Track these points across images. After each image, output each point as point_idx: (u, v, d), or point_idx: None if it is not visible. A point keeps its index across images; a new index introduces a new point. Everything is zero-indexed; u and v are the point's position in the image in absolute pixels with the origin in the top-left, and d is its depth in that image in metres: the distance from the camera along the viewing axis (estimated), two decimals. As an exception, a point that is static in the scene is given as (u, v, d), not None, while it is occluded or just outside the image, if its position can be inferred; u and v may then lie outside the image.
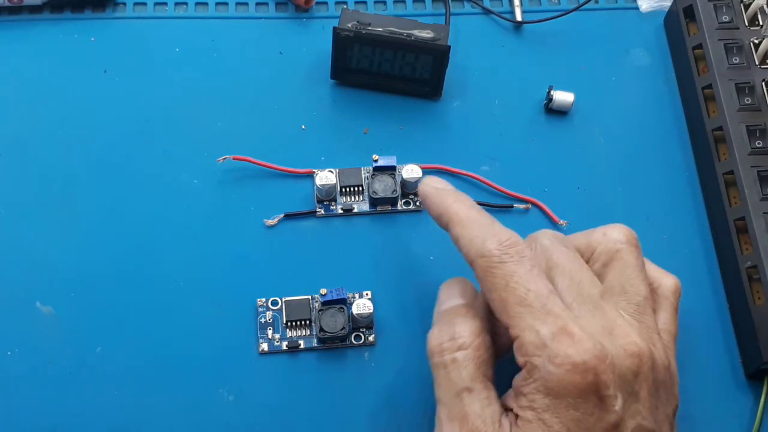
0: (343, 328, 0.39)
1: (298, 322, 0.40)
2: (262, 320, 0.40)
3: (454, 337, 0.32)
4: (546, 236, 0.35)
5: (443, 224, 0.35)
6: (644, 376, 0.31)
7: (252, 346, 0.40)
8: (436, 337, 0.33)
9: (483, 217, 0.34)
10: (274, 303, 0.40)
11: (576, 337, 0.30)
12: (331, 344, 0.40)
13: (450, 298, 0.35)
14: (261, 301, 0.40)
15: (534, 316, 0.31)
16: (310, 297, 0.40)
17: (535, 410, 0.30)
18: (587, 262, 0.35)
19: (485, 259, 0.32)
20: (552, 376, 0.30)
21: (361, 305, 0.39)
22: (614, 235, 0.35)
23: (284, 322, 0.40)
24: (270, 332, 0.40)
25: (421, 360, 0.38)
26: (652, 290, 0.36)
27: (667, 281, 0.37)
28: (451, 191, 0.36)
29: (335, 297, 0.39)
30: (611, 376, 0.30)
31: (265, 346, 0.40)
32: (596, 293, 0.33)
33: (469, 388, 0.32)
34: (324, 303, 0.40)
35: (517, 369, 0.31)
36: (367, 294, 0.40)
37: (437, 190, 0.36)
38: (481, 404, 0.31)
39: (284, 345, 0.40)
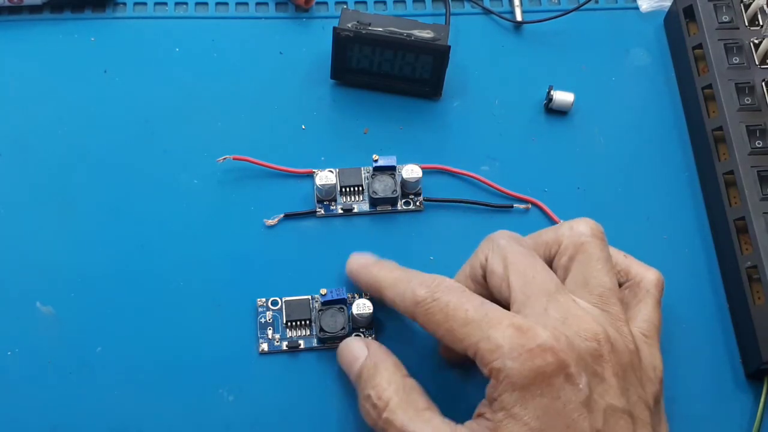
0: (343, 328, 0.39)
1: (298, 322, 0.40)
2: (262, 320, 0.40)
3: (378, 398, 0.34)
4: (502, 237, 0.36)
5: (376, 294, 0.38)
6: (605, 359, 0.31)
7: (252, 346, 0.40)
8: (365, 411, 0.35)
9: (407, 274, 0.36)
10: (274, 303, 0.40)
11: (524, 328, 0.31)
12: (331, 344, 0.39)
13: (351, 361, 0.37)
14: (261, 301, 0.40)
15: (481, 327, 0.32)
16: (310, 297, 0.40)
17: (505, 408, 0.31)
18: (554, 255, 0.36)
19: (420, 305, 0.34)
20: (513, 370, 0.30)
21: (361, 305, 0.39)
22: (580, 229, 0.36)
23: (284, 322, 0.40)
24: (270, 332, 0.40)
25: (420, 360, 0.38)
26: (635, 284, 0.37)
27: (649, 275, 0.37)
28: (375, 262, 0.39)
29: (335, 297, 0.39)
30: (571, 355, 0.30)
31: (265, 346, 0.39)
32: (552, 287, 0.33)
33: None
34: (324, 303, 0.40)
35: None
36: (366, 294, 0.40)
37: (361, 265, 0.39)
38: (430, 427, 0.33)
39: (284, 345, 0.40)
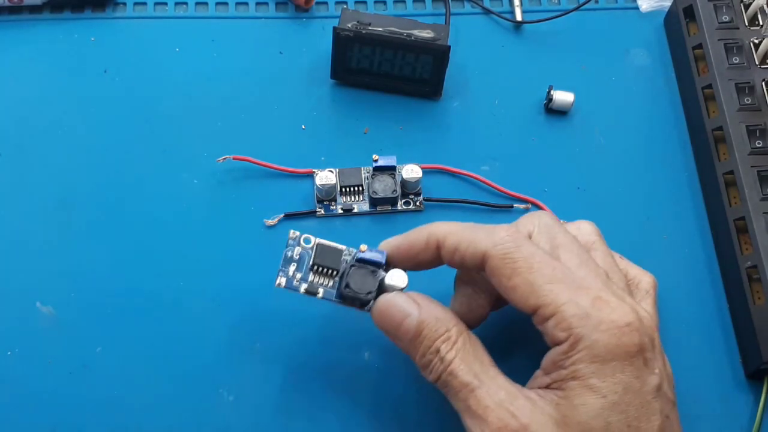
0: (370, 292, 0.35)
1: (325, 270, 0.37)
2: (289, 254, 0.37)
3: (447, 350, 0.32)
4: (548, 216, 0.35)
5: (432, 248, 0.35)
6: (658, 348, 0.32)
7: (252, 347, 0.40)
8: (429, 365, 0.33)
9: (468, 224, 0.34)
10: (307, 241, 0.37)
11: (612, 303, 0.31)
12: (351, 304, 0.36)
13: (398, 321, 0.34)
14: (294, 233, 0.37)
15: (569, 290, 0.31)
16: (345, 248, 0.37)
17: (580, 378, 0.30)
18: None
19: (500, 246, 0.32)
20: (599, 343, 0.30)
21: (395, 277, 0.35)
22: (588, 229, 0.37)
23: (310, 264, 0.37)
24: (292, 269, 0.37)
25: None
26: (634, 285, 0.37)
27: (645, 278, 0.38)
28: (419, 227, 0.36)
29: (372, 258, 0.36)
30: (649, 341, 0.31)
31: (282, 281, 0.37)
32: (603, 273, 0.33)
33: (477, 378, 0.32)
34: (359, 260, 0.36)
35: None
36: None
37: (401, 236, 0.36)
38: (497, 385, 0.32)
39: (303, 288, 0.36)
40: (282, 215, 0.43)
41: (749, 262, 0.40)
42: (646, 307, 0.36)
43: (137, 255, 0.41)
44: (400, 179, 0.43)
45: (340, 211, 0.43)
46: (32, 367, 0.39)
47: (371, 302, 0.35)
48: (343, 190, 0.44)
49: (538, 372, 0.32)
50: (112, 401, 0.38)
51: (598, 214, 0.44)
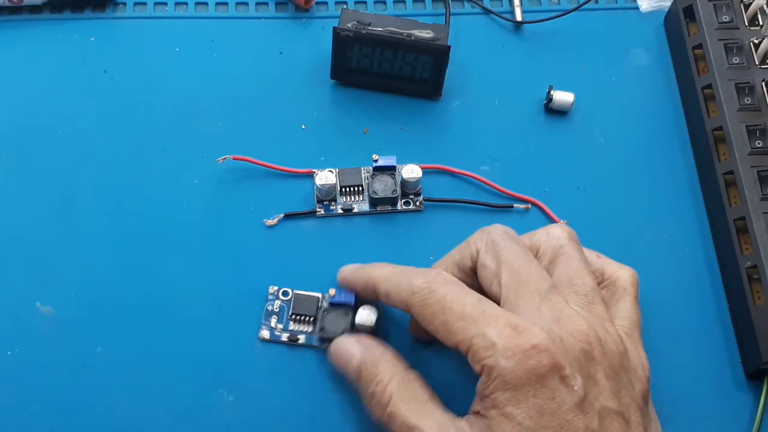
0: (344, 331, 0.39)
1: (303, 317, 0.40)
2: (269, 308, 0.40)
3: (382, 393, 0.34)
4: (497, 231, 0.36)
5: (371, 291, 0.37)
6: (597, 360, 0.32)
7: (252, 346, 0.40)
8: (369, 407, 0.35)
9: (404, 269, 0.36)
10: (285, 293, 0.40)
11: (520, 328, 0.31)
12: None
13: (347, 360, 0.36)
14: (273, 289, 0.41)
15: (477, 323, 0.32)
16: (320, 295, 0.40)
17: (498, 407, 0.31)
18: None
19: (417, 294, 0.34)
20: (507, 369, 0.30)
21: (364, 316, 0.38)
22: (557, 233, 0.36)
23: (290, 314, 0.40)
24: (274, 321, 0.40)
25: (421, 364, 0.37)
26: (610, 283, 0.37)
27: (624, 273, 0.38)
28: (367, 265, 0.38)
29: (342, 300, 0.39)
30: (565, 357, 0.31)
31: (266, 334, 0.40)
32: (545, 287, 0.33)
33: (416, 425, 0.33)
34: (331, 304, 0.39)
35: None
36: (372, 304, 0.39)
37: (354, 268, 0.39)
38: (431, 420, 0.33)
39: (285, 336, 0.40)
40: (282, 215, 0.43)
41: (749, 262, 0.40)
42: (623, 306, 0.36)
43: (137, 255, 0.41)
44: (400, 179, 0.43)
45: (340, 211, 0.43)
46: (32, 367, 0.38)
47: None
48: (343, 190, 0.44)
49: (476, 398, 0.33)
50: (112, 401, 0.38)
51: (598, 214, 0.44)
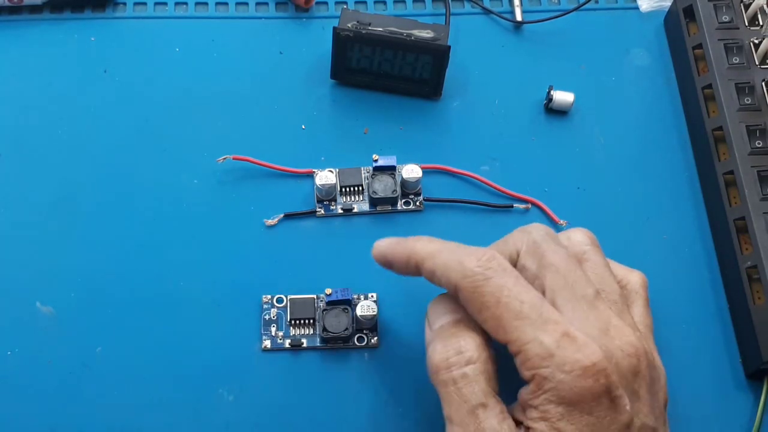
0: (347, 329, 0.39)
1: (302, 321, 0.40)
2: (266, 317, 0.40)
3: (461, 351, 0.32)
4: (538, 232, 0.34)
5: (413, 268, 0.34)
6: (642, 375, 0.31)
7: (253, 346, 0.40)
8: (440, 352, 0.32)
9: (450, 244, 0.34)
10: (279, 300, 0.40)
11: (579, 341, 0.30)
12: (334, 345, 0.40)
13: (443, 314, 0.34)
14: (266, 297, 0.40)
15: (534, 326, 0.30)
16: (315, 296, 0.40)
17: (549, 420, 0.30)
18: None
19: (469, 279, 0.31)
20: (564, 384, 0.29)
21: (366, 307, 0.39)
22: (578, 238, 0.35)
23: (288, 320, 0.40)
24: (273, 329, 0.40)
25: (423, 364, 0.37)
26: (621, 287, 0.36)
27: (633, 277, 0.37)
28: (408, 238, 0.35)
29: (340, 297, 0.39)
30: (618, 376, 0.30)
31: (267, 343, 0.40)
32: (591, 293, 0.32)
33: (483, 403, 0.31)
34: (328, 303, 0.39)
35: (518, 380, 0.31)
36: (372, 296, 0.40)
37: (393, 242, 0.36)
38: (497, 419, 0.31)
39: (287, 343, 0.40)
40: (282, 215, 0.43)
41: (749, 262, 0.40)
42: (637, 310, 0.35)
43: (137, 255, 0.41)
44: (400, 179, 0.43)
45: (340, 211, 0.43)
46: (32, 367, 0.39)
47: (352, 336, 0.39)
48: (343, 190, 0.44)
49: (516, 405, 0.32)
50: (112, 401, 0.38)
51: (598, 214, 0.44)
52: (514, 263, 0.33)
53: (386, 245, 0.36)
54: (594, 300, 0.32)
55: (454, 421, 0.31)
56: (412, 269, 0.34)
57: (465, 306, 0.32)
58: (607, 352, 0.30)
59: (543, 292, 0.32)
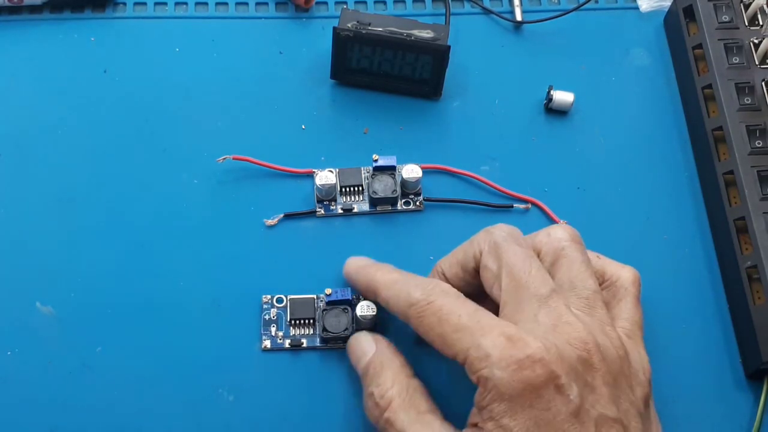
0: (346, 328, 0.39)
1: (302, 321, 0.40)
2: (266, 317, 0.40)
3: (381, 397, 0.34)
4: (500, 233, 0.35)
5: (371, 295, 0.37)
6: (596, 367, 0.31)
7: (252, 346, 0.40)
8: (367, 408, 0.35)
9: (405, 276, 0.36)
10: (279, 300, 0.40)
11: (515, 337, 0.31)
12: (334, 344, 0.40)
13: (359, 356, 0.37)
14: (266, 297, 0.40)
15: (473, 334, 0.32)
16: (315, 296, 0.40)
17: (494, 419, 0.30)
18: None
19: (414, 307, 0.34)
20: (502, 380, 0.30)
21: (365, 307, 0.39)
22: (558, 234, 0.36)
23: (288, 320, 0.40)
24: (273, 329, 0.40)
25: (422, 365, 0.37)
26: (611, 283, 0.37)
27: (625, 273, 0.37)
28: (372, 264, 0.39)
29: (340, 297, 0.39)
30: (561, 366, 0.30)
31: (267, 343, 0.40)
32: (545, 292, 0.33)
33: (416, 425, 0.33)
34: (328, 303, 0.39)
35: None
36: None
37: (359, 267, 0.39)
38: (429, 430, 0.33)
39: (287, 343, 0.40)
40: (282, 215, 0.43)
41: (749, 262, 0.40)
42: (625, 306, 0.36)
43: (137, 255, 0.41)
44: (400, 179, 0.43)
45: (340, 211, 0.43)
46: (32, 367, 0.39)
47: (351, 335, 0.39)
48: (343, 190, 0.44)
49: (473, 409, 0.32)
50: (112, 401, 0.38)
51: (598, 214, 0.44)
52: (478, 263, 0.35)
53: (353, 269, 0.39)
54: (547, 298, 0.33)
55: None
56: (371, 295, 0.38)
57: (417, 331, 0.34)
58: (547, 345, 0.30)
59: (501, 292, 0.34)
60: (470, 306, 0.33)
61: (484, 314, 0.32)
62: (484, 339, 0.31)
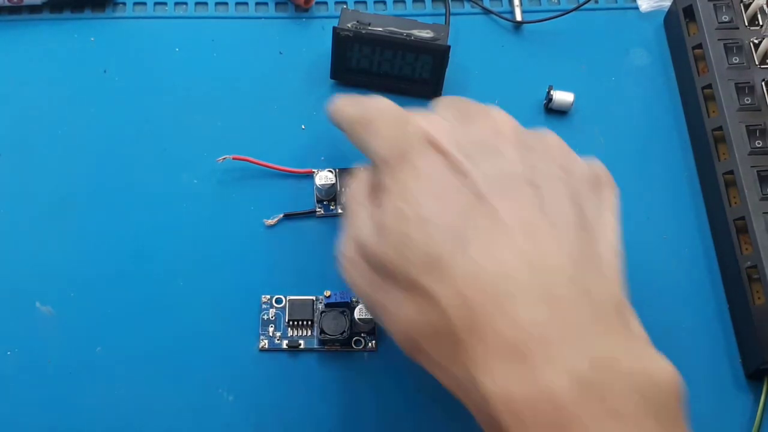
0: (344, 331, 0.39)
1: (300, 322, 0.40)
2: (265, 317, 0.40)
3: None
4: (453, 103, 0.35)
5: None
6: (506, 136, 0.32)
7: (252, 347, 0.40)
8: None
9: (363, 122, 0.35)
10: (278, 301, 0.40)
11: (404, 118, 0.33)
12: (331, 347, 0.40)
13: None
14: (265, 298, 0.40)
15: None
16: (314, 298, 0.40)
17: (385, 189, 0.31)
18: None
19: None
20: (381, 148, 0.32)
21: (364, 310, 0.39)
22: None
23: (286, 320, 0.40)
24: (271, 329, 0.40)
25: (421, 370, 0.37)
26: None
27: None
28: (341, 103, 0.37)
29: (338, 300, 0.39)
30: (445, 135, 0.31)
31: (265, 343, 0.40)
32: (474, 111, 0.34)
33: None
34: (327, 305, 0.40)
35: None
36: None
37: (341, 105, 0.37)
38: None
39: (285, 343, 0.40)
40: (282, 215, 0.43)
41: (749, 262, 0.40)
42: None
43: (137, 255, 0.41)
44: (400, 179, 0.43)
45: (340, 211, 0.43)
46: (32, 367, 0.39)
47: (349, 338, 0.39)
48: (343, 189, 0.44)
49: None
50: (112, 401, 0.38)
51: (598, 214, 0.44)
52: None
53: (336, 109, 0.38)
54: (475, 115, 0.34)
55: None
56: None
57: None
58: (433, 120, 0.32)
59: None
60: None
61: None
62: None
